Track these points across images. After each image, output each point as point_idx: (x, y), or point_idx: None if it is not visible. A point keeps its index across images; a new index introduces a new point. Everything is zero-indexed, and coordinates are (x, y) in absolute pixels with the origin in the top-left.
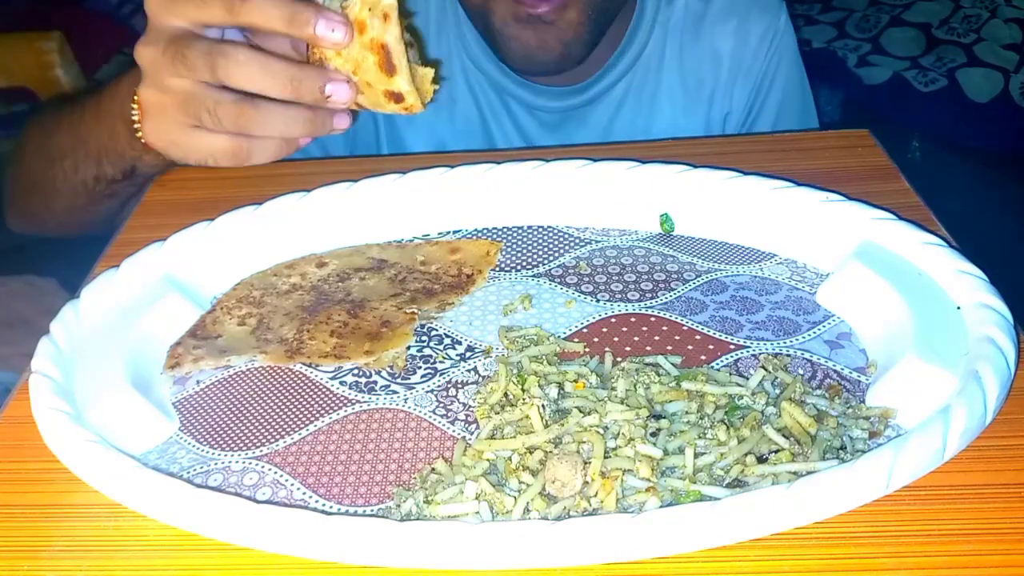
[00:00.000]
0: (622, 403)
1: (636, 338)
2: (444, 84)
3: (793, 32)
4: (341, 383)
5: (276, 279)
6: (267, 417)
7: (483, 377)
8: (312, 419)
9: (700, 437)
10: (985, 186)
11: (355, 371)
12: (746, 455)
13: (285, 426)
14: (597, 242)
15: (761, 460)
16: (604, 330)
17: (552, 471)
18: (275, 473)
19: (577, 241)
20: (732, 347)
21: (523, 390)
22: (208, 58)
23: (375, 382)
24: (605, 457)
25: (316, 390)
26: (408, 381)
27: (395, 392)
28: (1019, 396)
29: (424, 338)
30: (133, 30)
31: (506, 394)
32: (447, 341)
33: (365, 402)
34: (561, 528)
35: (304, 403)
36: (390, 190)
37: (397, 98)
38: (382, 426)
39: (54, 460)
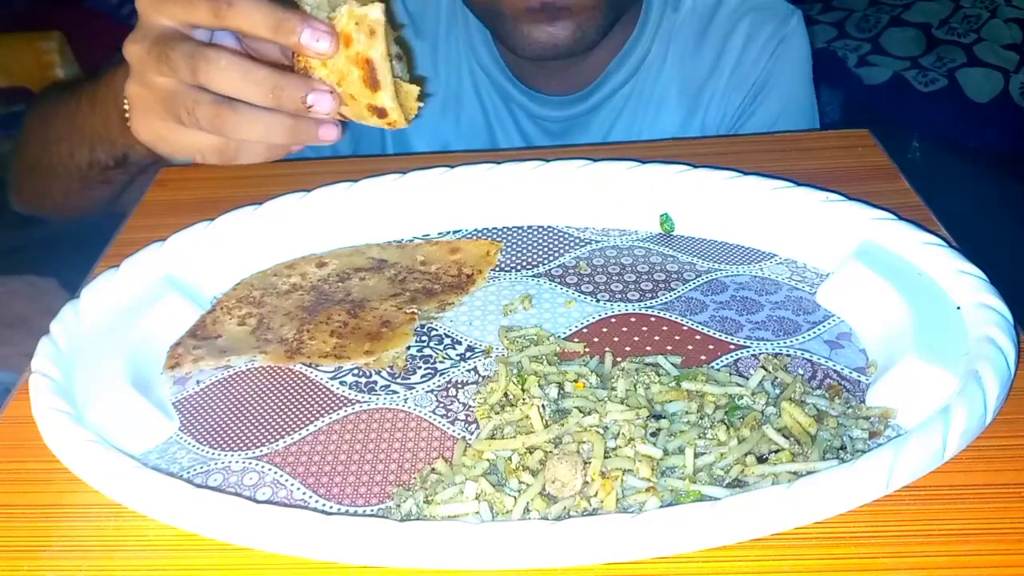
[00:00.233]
0: (622, 403)
1: (636, 338)
2: (451, 87)
3: (805, 41)
4: (341, 383)
5: (276, 279)
6: (267, 417)
7: (483, 377)
8: (312, 419)
9: (700, 437)
10: (985, 186)
11: (355, 371)
12: (746, 455)
13: (285, 426)
14: (597, 242)
15: (761, 460)
16: (604, 330)
17: (552, 471)
18: (275, 473)
19: (577, 241)
20: (732, 347)
21: (523, 390)
22: (190, 60)
23: (375, 382)
24: (605, 457)
25: (316, 390)
26: (408, 381)
27: (395, 392)
28: (1019, 396)
29: (424, 338)
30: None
31: (506, 394)
32: (447, 341)
33: (365, 402)
34: (561, 528)
35: (304, 403)
36: (390, 190)
37: (380, 113)
38: (382, 426)
39: (54, 460)
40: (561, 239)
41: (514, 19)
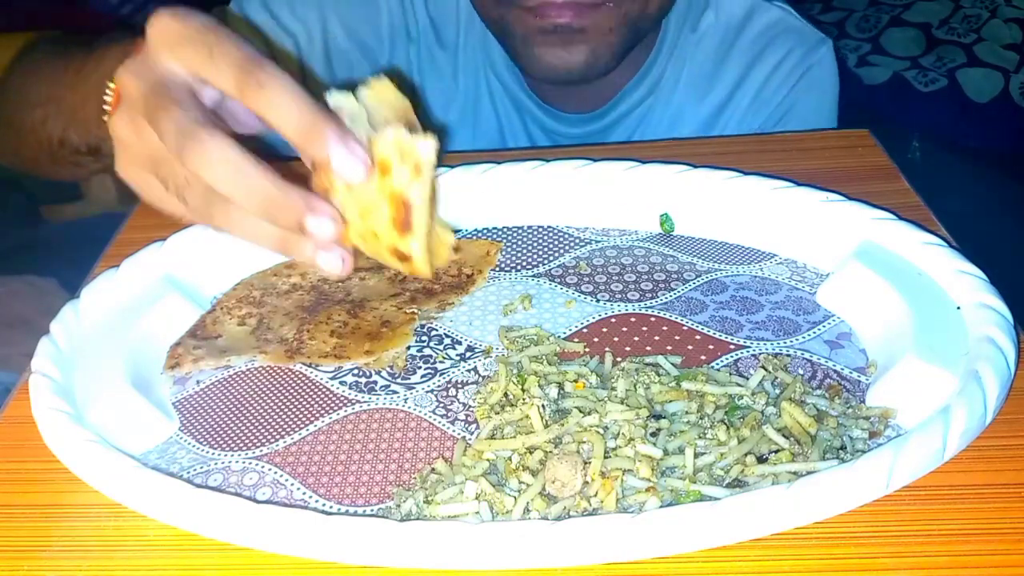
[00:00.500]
0: (622, 403)
1: (636, 338)
2: (469, 97)
3: (834, 71)
4: (341, 383)
5: (276, 279)
6: (267, 417)
7: (483, 377)
8: (312, 419)
9: (700, 437)
10: (985, 186)
11: (355, 371)
12: (746, 455)
13: (285, 426)
14: (597, 242)
15: (761, 460)
16: (604, 330)
17: (552, 471)
18: (275, 473)
19: (577, 241)
20: (732, 347)
21: (523, 390)
22: (180, 138)
23: (375, 382)
24: (605, 457)
25: (316, 390)
26: (408, 381)
27: (395, 392)
28: (1019, 396)
29: (424, 338)
30: (134, 31)
31: (506, 394)
32: (447, 341)
33: (365, 402)
34: (561, 528)
35: (304, 403)
36: None
37: (403, 257)
38: (382, 426)
39: (54, 460)
40: (561, 239)
41: (526, 39)
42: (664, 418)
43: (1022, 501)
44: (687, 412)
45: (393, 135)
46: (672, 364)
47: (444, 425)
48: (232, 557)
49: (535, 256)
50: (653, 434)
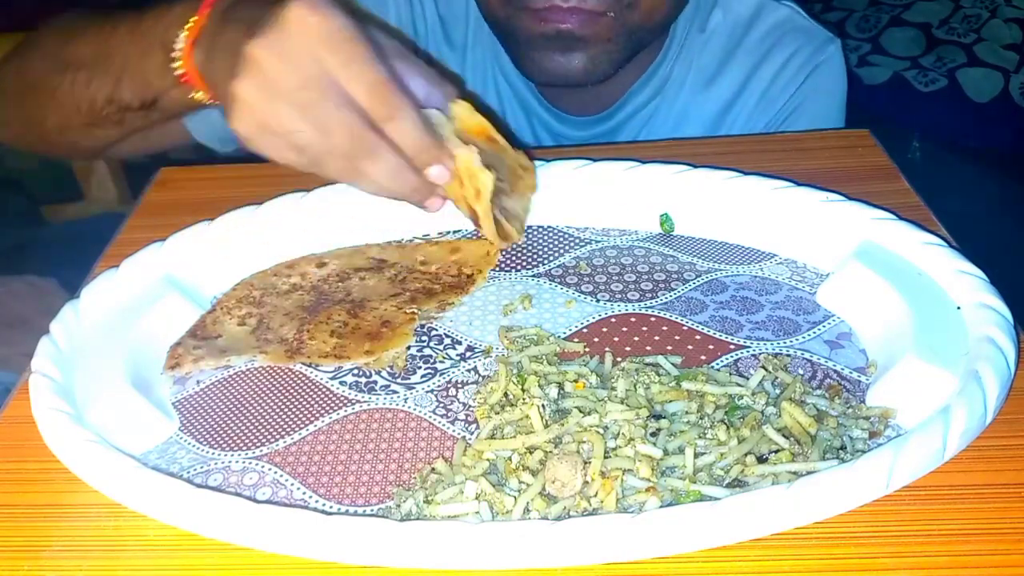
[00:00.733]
0: (622, 403)
1: (636, 338)
2: (476, 97)
3: (842, 70)
4: (341, 383)
5: (276, 279)
6: (267, 417)
7: (483, 377)
8: (312, 419)
9: (700, 437)
10: (985, 186)
11: (355, 371)
12: (746, 455)
13: (285, 426)
14: (597, 242)
15: (761, 460)
16: (604, 330)
17: (552, 471)
18: (275, 473)
19: (577, 241)
20: (732, 347)
21: (523, 390)
22: (355, 148)
23: (375, 382)
24: (605, 457)
25: (316, 390)
26: (408, 381)
27: (395, 392)
28: (1019, 396)
29: (424, 338)
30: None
31: (506, 394)
32: (447, 341)
33: (365, 402)
34: (561, 528)
35: (304, 403)
36: None
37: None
38: (382, 426)
39: (54, 460)
40: (561, 239)
41: (528, 43)
42: (664, 418)
43: (1022, 501)
44: (687, 412)
45: (465, 156)
46: (672, 364)
47: (444, 425)
48: (232, 557)
49: (535, 256)
50: (653, 434)
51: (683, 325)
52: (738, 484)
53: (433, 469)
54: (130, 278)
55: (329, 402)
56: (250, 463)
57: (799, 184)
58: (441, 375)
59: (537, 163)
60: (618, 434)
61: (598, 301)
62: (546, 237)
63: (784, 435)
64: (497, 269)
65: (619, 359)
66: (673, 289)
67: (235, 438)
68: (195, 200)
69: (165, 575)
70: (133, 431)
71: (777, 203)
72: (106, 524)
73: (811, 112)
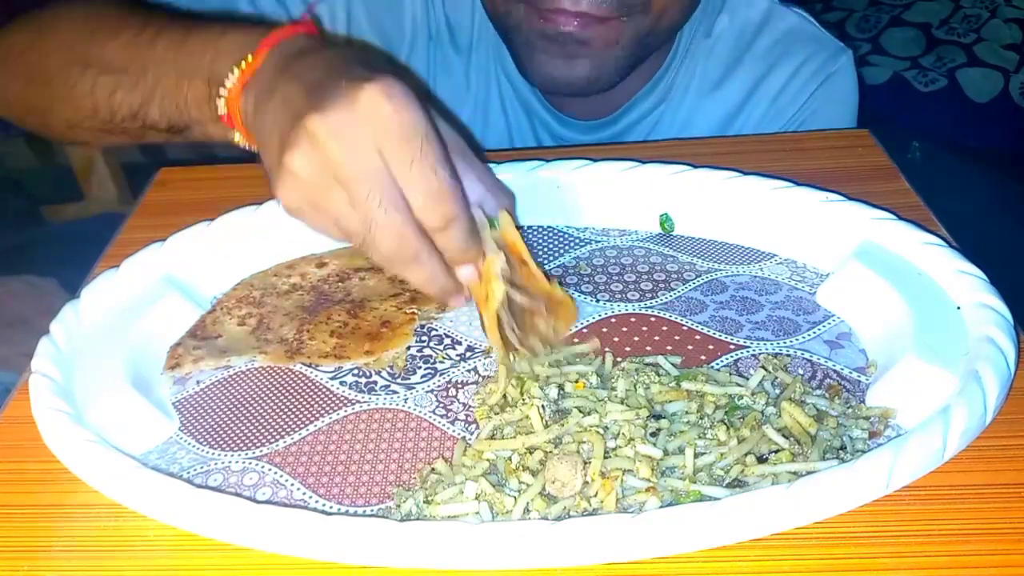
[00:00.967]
0: (622, 403)
1: (636, 338)
2: (480, 99)
3: (853, 81)
4: (341, 383)
5: (276, 279)
6: (267, 417)
7: (483, 377)
8: (312, 419)
9: (700, 437)
10: (985, 186)
11: (355, 371)
12: (746, 455)
13: (285, 426)
14: (597, 242)
15: (761, 460)
16: (604, 330)
17: (552, 471)
18: (275, 473)
19: (577, 241)
20: (732, 347)
21: (522, 392)
22: (400, 247)
23: (375, 382)
24: (605, 457)
25: (316, 390)
26: (408, 381)
27: (395, 392)
28: (1019, 396)
29: (424, 338)
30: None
31: (505, 395)
32: (447, 341)
33: (365, 402)
34: (561, 528)
35: (304, 403)
36: None
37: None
38: (382, 426)
39: (54, 460)
40: (561, 239)
41: (529, 42)
42: (664, 418)
43: (1022, 501)
44: (687, 412)
45: (490, 263)
46: (672, 364)
47: (444, 425)
48: (232, 557)
49: (535, 256)
50: (653, 434)
51: (683, 325)
52: (738, 484)
53: (433, 469)
54: (130, 278)
55: (329, 402)
56: (250, 463)
57: (799, 184)
58: (441, 375)
59: (537, 163)
60: (618, 434)
61: (598, 301)
62: (546, 237)
63: (784, 435)
64: None
65: (619, 359)
66: (673, 289)
67: (235, 438)
68: (195, 200)
69: (165, 575)
70: (133, 431)
71: (777, 203)
72: (106, 524)
73: (823, 123)
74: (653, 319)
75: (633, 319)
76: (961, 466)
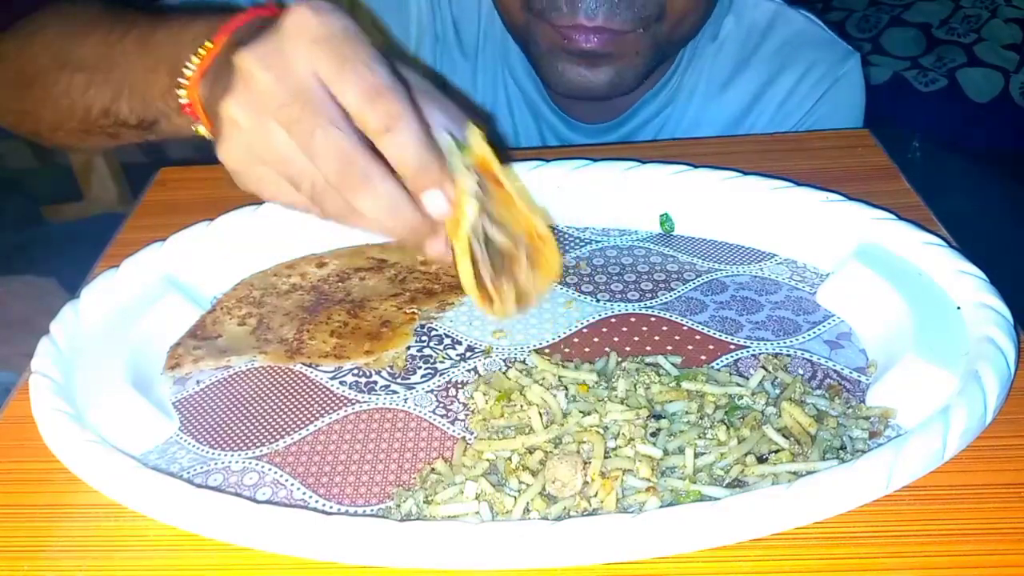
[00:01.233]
0: (622, 403)
1: (636, 338)
2: (486, 100)
3: (860, 85)
4: (341, 383)
5: (276, 279)
6: (267, 417)
7: (483, 377)
8: (312, 419)
9: (700, 437)
10: (985, 186)
11: (355, 371)
12: (746, 455)
13: (285, 426)
14: (597, 242)
15: (761, 460)
16: (604, 330)
17: (552, 471)
18: (275, 473)
19: (577, 241)
20: (732, 347)
21: (521, 394)
22: (342, 168)
23: (375, 382)
24: (605, 457)
25: (316, 390)
26: (408, 381)
27: (395, 392)
28: (1019, 396)
29: (424, 338)
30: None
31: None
32: (447, 341)
33: (365, 402)
34: (561, 528)
35: (304, 403)
36: None
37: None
38: (382, 426)
39: (54, 460)
40: (561, 239)
41: (550, 54)
42: (664, 418)
43: (1022, 501)
44: (687, 412)
45: (460, 186)
46: (672, 364)
47: (444, 425)
48: (232, 557)
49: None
50: (653, 434)
51: (683, 325)
52: (738, 484)
53: (433, 469)
54: (130, 278)
55: (329, 402)
56: (250, 463)
57: (799, 184)
58: (441, 375)
59: (537, 163)
60: (618, 434)
61: (598, 301)
62: None
63: (784, 435)
64: None
65: (620, 359)
66: (673, 289)
67: (235, 438)
68: (195, 200)
69: (165, 575)
70: (133, 431)
71: (777, 203)
72: (106, 524)
73: (831, 125)
74: (653, 319)
75: (633, 319)
76: (961, 466)
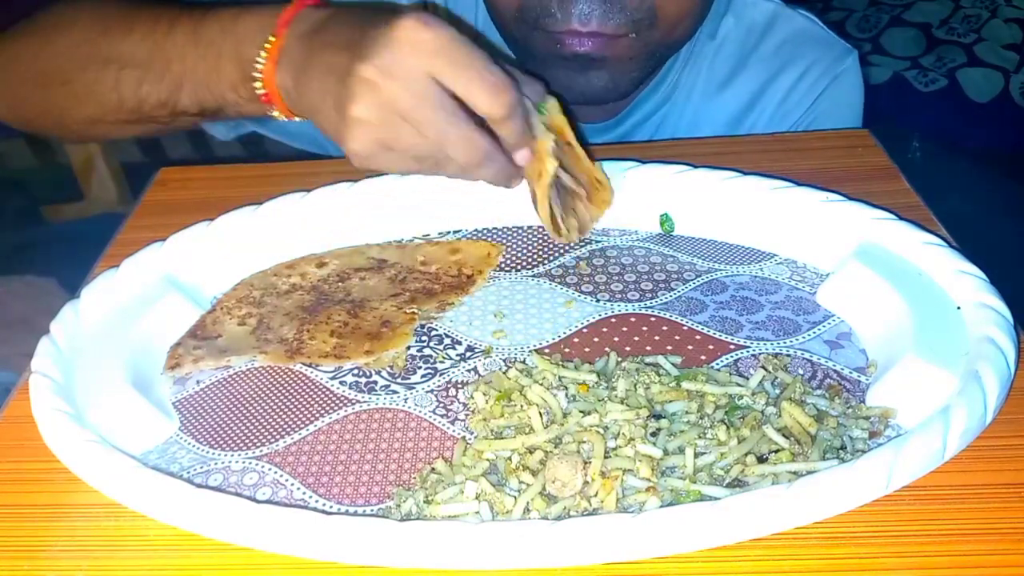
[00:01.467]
0: (622, 403)
1: (636, 338)
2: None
3: (859, 83)
4: (341, 383)
5: (276, 279)
6: (267, 417)
7: (483, 378)
8: (312, 419)
9: (700, 437)
10: (985, 186)
11: (355, 371)
12: (746, 455)
13: (285, 426)
14: (597, 242)
15: (761, 460)
16: (604, 330)
17: (552, 471)
18: (275, 473)
19: (577, 241)
20: (732, 347)
21: (512, 401)
22: (472, 151)
23: (375, 382)
24: (605, 457)
25: (316, 390)
26: (408, 381)
27: (395, 392)
28: (1019, 396)
29: (424, 338)
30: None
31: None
32: (447, 341)
33: (365, 402)
34: (561, 528)
35: (304, 403)
36: (390, 190)
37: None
38: (382, 426)
39: (54, 460)
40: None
41: (545, 62)
42: (664, 418)
43: (1022, 501)
44: (687, 412)
45: (542, 143)
46: (672, 364)
47: (444, 425)
48: (232, 557)
49: (535, 256)
50: (653, 434)
51: (683, 325)
52: (738, 484)
53: (433, 469)
54: (130, 278)
55: (329, 402)
56: (250, 463)
57: (799, 184)
58: (441, 375)
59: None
60: (618, 434)
61: (598, 301)
62: (546, 237)
63: (784, 435)
64: (497, 269)
65: (619, 359)
66: (673, 289)
67: (235, 438)
68: (195, 200)
69: (165, 575)
70: (133, 431)
71: (777, 203)
72: (106, 524)
73: (830, 123)
74: (653, 319)
75: (633, 319)
76: (961, 466)
